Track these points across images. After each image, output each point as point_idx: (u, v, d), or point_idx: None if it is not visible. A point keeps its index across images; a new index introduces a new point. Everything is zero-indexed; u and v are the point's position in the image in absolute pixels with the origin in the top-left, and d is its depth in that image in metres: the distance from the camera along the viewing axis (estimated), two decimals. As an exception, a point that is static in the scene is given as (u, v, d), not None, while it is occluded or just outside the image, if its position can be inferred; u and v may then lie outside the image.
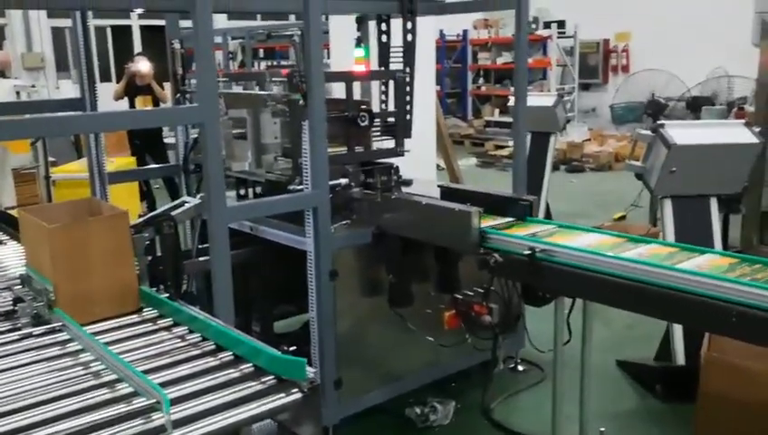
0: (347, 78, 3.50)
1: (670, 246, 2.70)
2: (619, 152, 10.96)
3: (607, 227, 6.66)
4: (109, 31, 15.85)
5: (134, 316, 2.48)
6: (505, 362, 4.07)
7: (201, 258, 3.32)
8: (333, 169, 3.34)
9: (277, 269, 3.68)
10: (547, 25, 13.51)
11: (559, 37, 13.40)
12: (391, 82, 3.84)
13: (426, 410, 3.59)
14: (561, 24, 13.55)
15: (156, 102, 8.21)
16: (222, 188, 2.78)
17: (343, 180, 3.36)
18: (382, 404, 3.57)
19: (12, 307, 2.42)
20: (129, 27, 15.66)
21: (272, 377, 1.95)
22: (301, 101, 3.06)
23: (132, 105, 8.35)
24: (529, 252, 2.67)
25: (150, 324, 2.45)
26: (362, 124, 3.44)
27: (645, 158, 3.75)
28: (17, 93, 10.16)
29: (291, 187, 3.23)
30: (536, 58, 13.73)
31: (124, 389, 1.90)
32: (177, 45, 3.86)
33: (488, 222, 3.06)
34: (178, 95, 3.83)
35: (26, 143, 3.78)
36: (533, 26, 13.52)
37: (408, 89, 3.99)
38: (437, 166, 7.98)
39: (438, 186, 3.45)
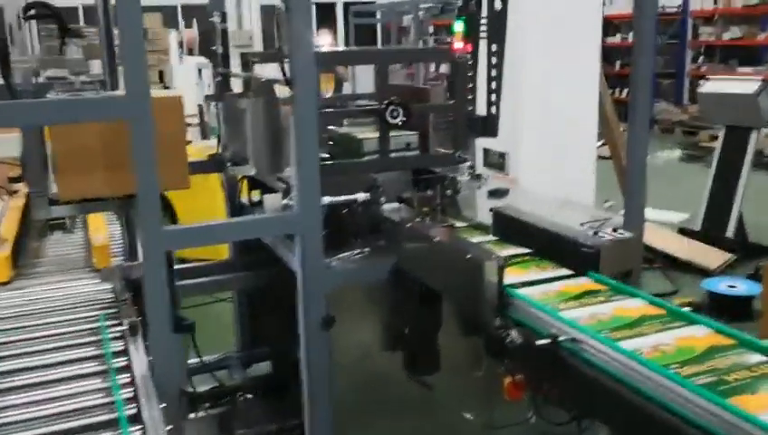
0: (375, 59, 2.63)
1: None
2: None
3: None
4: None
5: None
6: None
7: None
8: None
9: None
10: (791, -8, 11.19)
11: (806, 6, 11.03)
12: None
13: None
14: (809, -11, 11.15)
15: (338, 82, 7.69)
16: (156, 206, 2.11)
17: (361, 195, 2.53)
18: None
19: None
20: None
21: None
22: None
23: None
24: (547, 341, 1.69)
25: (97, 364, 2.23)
26: (393, 121, 2.56)
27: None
28: (199, 71, 10.38)
29: (285, 201, 2.48)
30: (773, 33, 11.48)
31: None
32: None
33: (532, 273, 2.09)
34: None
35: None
36: (772, -7, 11.29)
37: (494, 73, 3.05)
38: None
39: (491, 210, 2.49)
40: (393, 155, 2.69)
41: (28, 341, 2.40)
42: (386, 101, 2.54)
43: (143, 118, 2.03)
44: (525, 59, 5.37)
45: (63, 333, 2.44)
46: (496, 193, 3.28)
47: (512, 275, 2.02)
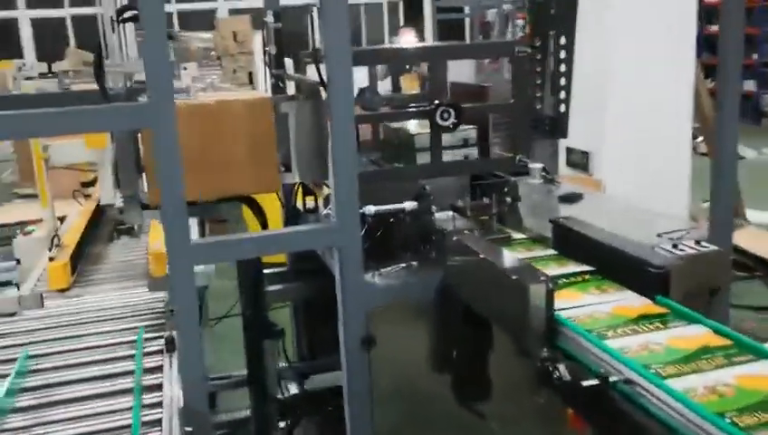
0: (427, 55, 2.41)
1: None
2: None
3: None
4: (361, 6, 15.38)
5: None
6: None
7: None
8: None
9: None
10: None
11: None
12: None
13: None
14: None
15: (423, 80, 7.49)
16: (183, 218, 1.98)
17: (408, 204, 2.33)
18: None
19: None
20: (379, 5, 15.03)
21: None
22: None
23: (396, 82, 7.78)
24: (595, 382, 1.45)
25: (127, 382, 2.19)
26: (443, 123, 2.35)
27: None
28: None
29: (325, 212, 2.32)
30: None
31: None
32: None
33: (589, 297, 1.83)
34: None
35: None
36: None
37: (562, 68, 2.79)
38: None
39: (550, 221, 2.23)
40: (448, 158, 2.47)
41: (65, 353, 2.37)
42: (436, 102, 2.32)
43: (167, 125, 1.92)
44: (611, 52, 5.04)
45: (100, 346, 2.39)
46: (569, 198, 3.01)
47: (565, 299, 1.77)
